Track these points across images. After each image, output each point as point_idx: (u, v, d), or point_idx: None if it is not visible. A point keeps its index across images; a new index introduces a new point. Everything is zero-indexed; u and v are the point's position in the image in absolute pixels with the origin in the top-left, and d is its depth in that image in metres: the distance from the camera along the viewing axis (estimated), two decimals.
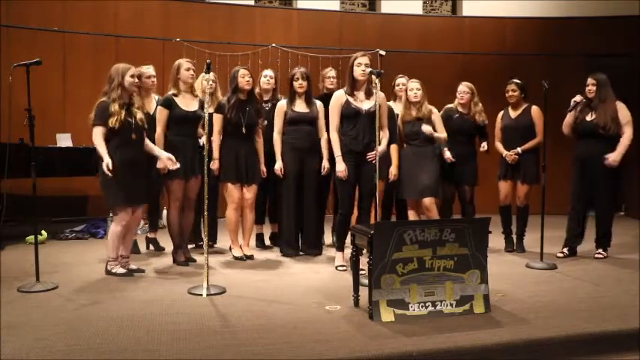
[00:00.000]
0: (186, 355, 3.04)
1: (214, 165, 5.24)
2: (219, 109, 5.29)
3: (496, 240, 5.82)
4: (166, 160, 4.74)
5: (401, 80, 5.81)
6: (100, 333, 3.34)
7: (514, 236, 5.94)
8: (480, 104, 5.81)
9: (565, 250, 5.60)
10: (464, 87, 5.81)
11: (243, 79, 5.28)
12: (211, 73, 5.04)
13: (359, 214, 4.98)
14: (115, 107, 4.47)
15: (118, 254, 4.72)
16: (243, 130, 5.26)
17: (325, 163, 5.47)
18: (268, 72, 5.86)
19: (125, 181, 4.52)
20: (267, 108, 5.70)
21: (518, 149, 5.71)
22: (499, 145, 5.92)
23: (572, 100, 5.45)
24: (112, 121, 4.45)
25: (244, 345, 3.18)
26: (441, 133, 5.48)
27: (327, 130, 5.17)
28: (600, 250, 5.54)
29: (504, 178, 5.89)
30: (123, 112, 4.49)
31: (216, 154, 5.25)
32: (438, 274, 3.70)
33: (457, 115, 5.75)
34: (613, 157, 5.29)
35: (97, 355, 3.03)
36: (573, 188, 5.56)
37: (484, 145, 5.82)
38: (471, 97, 5.78)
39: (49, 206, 6.80)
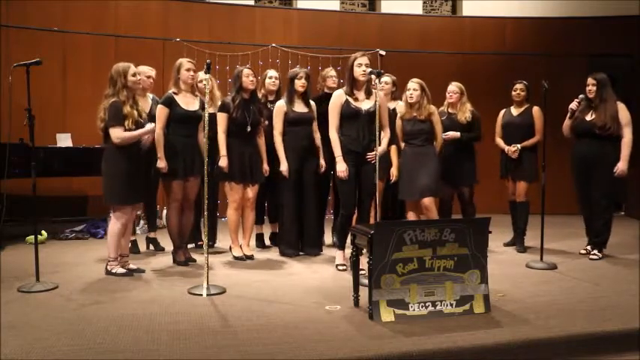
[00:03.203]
0: (186, 355, 3.04)
1: (223, 162, 5.23)
2: (223, 108, 5.29)
3: (497, 240, 5.83)
4: (151, 131, 4.71)
5: (385, 79, 5.77)
6: (100, 333, 3.34)
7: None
8: (468, 104, 5.81)
9: (589, 247, 5.60)
10: (453, 87, 5.82)
11: (247, 78, 5.27)
12: (202, 73, 5.05)
13: (358, 215, 4.97)
14: (127, 109, 4.51)
15: (118, 254, 4.73)
16: (248, 130, 5.26)
17: (321, 162, 5.49)
18: (273, 73, 5.85)
19: (129, 179, 4.55)
20: (271, 108, 5.69)
21: (519, 145, 5.75)
22: (500, 141, 5.97)
23: (569, 107, 5.46)
24: (128, 123, 4.49)
25: (244, 345, 3.18)
26: (438, 138, 5.46)
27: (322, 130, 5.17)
28: (595, 251, 5.52)
29: (505, 176, 5.94)
30: (135, 113, 4.53)
31: (223, 151, 5.24)
32: (438, 274, 3.70)
33: (445, 116, 5.76)
34: (621, 168, 5.28)
35: (97, 355, 3.03)
36: (578, 188, 5.56)
37: (448, 134, 5.62)
38: (460, 97, 5.79)
39: (49, 206, 6.80)
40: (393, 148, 5.53)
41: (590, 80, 5.44)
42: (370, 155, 4.80)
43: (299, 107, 5.53)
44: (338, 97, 4.88)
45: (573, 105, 5.45)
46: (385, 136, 4.94)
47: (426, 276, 3.67)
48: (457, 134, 5.68)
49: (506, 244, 6.07)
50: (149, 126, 4.61)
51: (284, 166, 5.43)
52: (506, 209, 6.15)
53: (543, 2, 9.09)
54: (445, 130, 5.61)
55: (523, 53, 8.76)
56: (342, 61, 7.48)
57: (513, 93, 5.96)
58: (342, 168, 4.82)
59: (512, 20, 9.02)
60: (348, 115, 4.83)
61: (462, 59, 8.85)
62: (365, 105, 4.83)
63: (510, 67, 8.30)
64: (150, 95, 5.58)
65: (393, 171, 5.51)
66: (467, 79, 6.06)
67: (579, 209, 5.64)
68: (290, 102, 5.51)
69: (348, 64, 4.89)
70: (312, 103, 5.60)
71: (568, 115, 5.51)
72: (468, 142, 5.80)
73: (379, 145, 4.63)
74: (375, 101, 4.60)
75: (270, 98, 5.80)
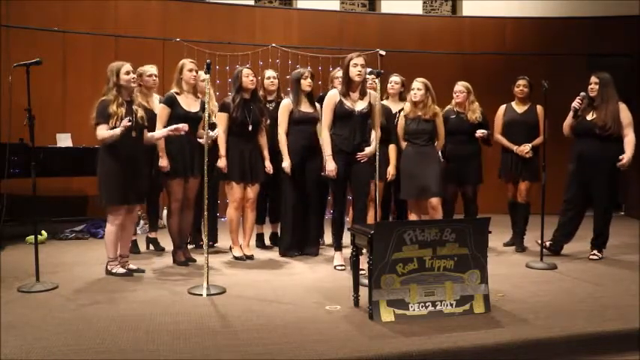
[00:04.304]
0: (186, 355, 3.04)
1: (222, 163, 5.24)
2: (223, 108, 5.29)
3: (497, 240, 5.83)
4: (174, 130, 4.70)
5: (394, 79, 5.83)
6: (100, 333, 3.34)
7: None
8: (476, 103, 5.81)
9: (547, 243, 5.49)
10: (460, 86, 5.82)
11: (247, 78, 5.28)
12: (202, 73, 5.05)
13: (354, 214, 4.97)
14: (113, 108, 4.48)
15: (117, 254, 4.73)
16: (250, 129, 5.27)
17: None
18: (271, 73, 5.85)
19: (122, 180, 4.54)
20: (270, 108, 5.71)
21: (529, 145, 5.73)
22: (502, 139, 5.92)
23: (572, 106, 5.45)
24: (113, 122, 4.47)
25: (244, 345, 3.18)
26: (440, 138, 5.48)
27: None
28: (595, 252, 5.50)
29: (507, 175, 5.91)
30: (122, 111, 4.50)
31: (222, 151, 5.25)
32: (438, 274, 3.70)
33: (454, 115, 5.76)
34: (627, 159, 5.22)
35: (97, 355, 3.03)
36: (570, 187, 5.53)
37: (482, 131, 5.67)
38: (467, 96, 5.79)
39: (49, 206, 6.80)
40: (392, 147, 5.53)
41: (592, 79, 5.41)
42: (359, 155, 4.82)
43: (304, 107, 5.52)
44: (332, 97, 4.90)
45: (576, 104, 5.43)
46: (376, 136, 4.94)
47: (426, 276, 3.67)
48: (486, 132, 5.69)
49: (506, 244, 6.06)
50: (119, 128, 4.43)
51: (286, 163, 5.43)
52: (506, 209, 6.13)
53: (543, 2, 9.09)
54: (453, 129, 5.61)
55: (523, 53, 8.76)
56: (342, 61, 7.45)
57: (516, 89, 5.91)
58: (331, 167, 4.84)
59: (512, 20, 9.02)
60: (342, 115, 4.85)
61: (461, 59, 8.85)
62: (359, 106, 4.86)
63: (510, 67, 8.29)
64: (156, 96, 5.57)
65: (390, 170, 5.51)
66: (467, 79, 6.04)
67: (563, 208, 5.56)
68: (296, 101, 5.51)
69: (343, 65, 4.91)
70: (317, 104, 5.60)
71: (571, 114, 5.47)
72: (476, 143, 5.80)
73: (376, 145, 4.62)
74: (369, 102, 4.61)
75: (270, 98, 5.80)
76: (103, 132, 4.48)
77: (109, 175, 4.55)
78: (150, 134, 4.79)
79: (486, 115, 5.87)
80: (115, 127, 4.47)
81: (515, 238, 5.97)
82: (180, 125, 4.72)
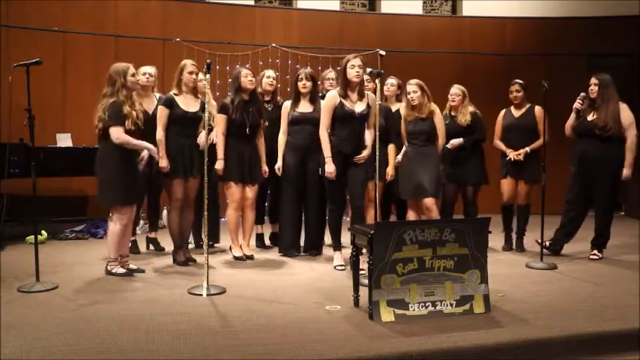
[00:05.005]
0: (186, 355, 3.04)
1: (219, 165, 5.24)
2: (222, 109, 5.29)
3: (496, 240, 5.83)
4: (152, 151, 4.79)
5: (390, 81, 5.84)
6: (100, 333, 3.34)
7: (514, 235, 5.95)
8: (470, 107, 5.79)
9: (547, 242, 5.49)
10: (456, 89, 5.81)
11: (246, 78, 5.28)
12: (201, 74, 5.06)
13: (352, 215, 4.97)
14: (127, 108, 4.50)
15: (118, 254, 4.73)
16: (247, 131, 5.27)
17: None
18: (271, 73, 5.85)
19: (126, 180, 4.55)
20: (269, 109, 5.71)
21: (527, 149, 5.71)
22: (500, 144, 5.92)
23: (574, 107, 5.44)
24: (128, 123, 4.49)
25: (244, 345, 3.18)
26: (440, 138, 5.47)
27: None
28: (595, 251, 5.51)
29: (506, 177, 5.91)
30: (135, 113, 4.53)
31: (220, 154, 5.25)
32: (438, 274, 3.70)
33: (448, 120, 5.77)
34: (625, 174, 5.27)
35: (97, 355, 3.03)
36: (572, 187, 5.53)
37: (452, 143, 5.67)
38: (462, 100, 5.78)
39: (49, 206, 6.80)
40: (392, 147, 5.53)
41: (592, 80, 5.40)
42: (357, 158, 4.88)
43: (303, 107, 5.52)
44: (332, 99, 4.89)
45: (577, 104, 5.42)
46: (370, 137, 4.94)
47: (426, 276, 3.67)
48: (460, 140, 5.67)
49: (505, 249, 6.00)
50: (147, 152, 4.73)
51: (278, 164, 5.47)
52: None
53: (543, 2, 9.09)
54: (452, 132, 5.60)
55: (523, 53, 8.77)
56: (342, 61, 7.47)
57: (510, 96, 5.90)
58: (330, 169, 4.85)
59: (512, 20, 9.02)
60: (343, 117, 4.85)
61: (461, 59, 8.86)
62: (358, 107, 4.86)
63: (510, 67, 8.30)
64: (157, 95, 5.59)
65: (389, 170, 5.51)
66: (467, 79, 6.07)
67: (565, 208, 5.56)
68: (294, 102, 5.51)
69: (341, 66, 4.91)
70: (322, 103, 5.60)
71: (574, 115, 5.46)
72: (474, 144, 5.80)
73: (377, 147, 4.61)
74: (367, 103, 4.61)
75: (267, 98, 5.79)
76: (123, 135, 4.47)
77: (114, 175, 4.54)
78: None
79: (482, 116, 5.84)
80: (131, 129, 4.49)
81: (507, 237, 5.96)
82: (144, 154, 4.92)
